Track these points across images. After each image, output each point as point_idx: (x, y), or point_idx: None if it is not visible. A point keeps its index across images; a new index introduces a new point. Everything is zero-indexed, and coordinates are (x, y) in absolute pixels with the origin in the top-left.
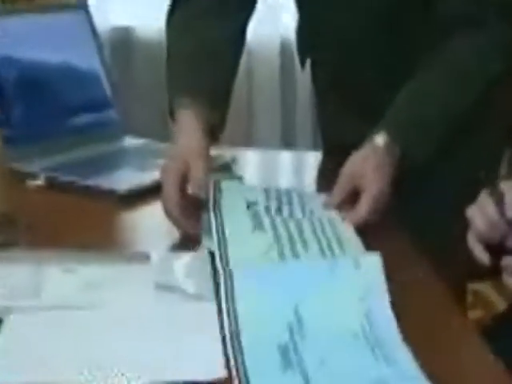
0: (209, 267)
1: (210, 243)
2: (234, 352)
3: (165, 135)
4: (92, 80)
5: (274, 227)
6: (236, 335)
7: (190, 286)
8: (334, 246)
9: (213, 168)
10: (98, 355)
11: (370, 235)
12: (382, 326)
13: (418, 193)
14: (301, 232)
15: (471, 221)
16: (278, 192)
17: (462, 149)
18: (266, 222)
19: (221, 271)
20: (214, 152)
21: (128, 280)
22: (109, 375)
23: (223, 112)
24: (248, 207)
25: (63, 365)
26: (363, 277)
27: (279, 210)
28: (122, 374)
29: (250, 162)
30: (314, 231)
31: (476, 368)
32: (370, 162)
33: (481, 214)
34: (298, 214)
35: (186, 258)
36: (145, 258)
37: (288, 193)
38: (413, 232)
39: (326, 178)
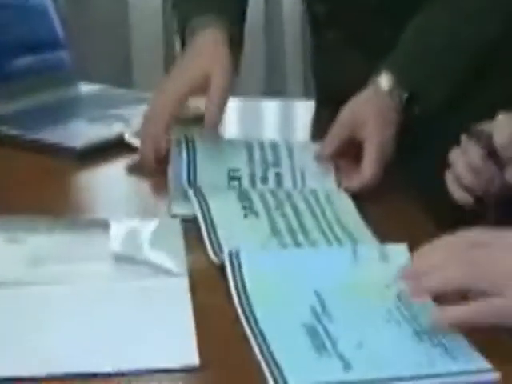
0: (180, 237)
1: (181, 209)
2: (253, 335)
3: (126, 81)
4: (38, 15)
5: (268, 212)
6: (253, 317)
7: (157, 259)
8: (339, 233)
9: (185, 120)
10: (50, 340)
11: (370, 196)
12: (417, 304)
13: (425, 146)
14: (299, 217)
15: (453, 164)
16: (263, 147)
17: (479, 95)
18: (257, 202)
19: (226, 251)
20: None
21: (84, 251)
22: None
23: (242, 39)
24: (230, 178)
25: (8, 351)
26: (390, 268)
27: (265, 178)
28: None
29: (230, 113)
30: (313, 214)
31: (488, 344)
32: (372, 107)
33: (463, 158)
34: (287, 180)
35: (152, 226)
36: (104, 225)
37: (274, 147)
38: (418, 192)
39: (320, 132)
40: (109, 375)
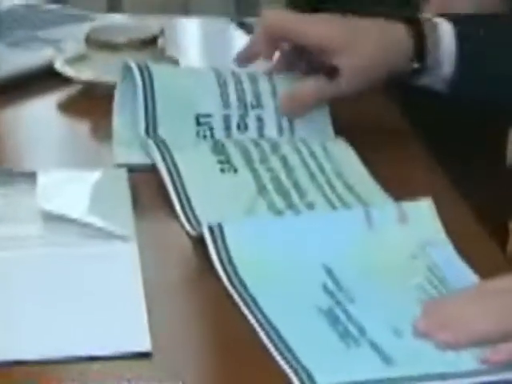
0: (127, 192)
1: (127, 156)
2: (259, 325)
3: None
4: None
5: (251, 167)
6: (254, 304)
7: (97, 219)
8: (343, 192)
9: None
10: None
11: (375, 148)
12: (457, 276)
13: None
14: (290, 173)
15: None
16: (239, 81)
17: None
18: (236, 155)
19: (203, 222)
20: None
21: (7, 210)
22: None
23: None
24: (199, 126)
25: None
26: (414, 231)
27: (243, 124)
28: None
29: (192, 38)
30: (308, 168)
31: None
32: None
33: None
34: (271, 126)
35: (91, 178)
36: (31, 177)
37: (253, 80)
38: (434, 143)
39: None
40: (43, 363)
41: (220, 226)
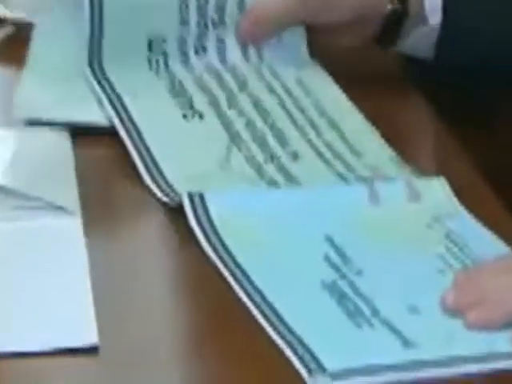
0: (70, 157)
1: (68, 112)
2: (254, 304)
3: None
4: None
5: (217, 109)
6: (246, 279)
7: (33, 187)
8: (333, 140)
9: None
10: None
11: (359, 82)
12: (480, 243)
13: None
14: (265, 115)
15: None
16: None
17: None
18: (197, 94)
19: (183, 192)
20: None
21: None
22: None
23: None
24: (151, 51)
25: None
26: (427, 207)
27: (201, 47)
28: None
29: None
30: (284, 108)
31: None
32: None
33: None
34: (234, 49)
35: (25, 140)
36: None
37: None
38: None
39: None
40: None
41: (201, 196)
